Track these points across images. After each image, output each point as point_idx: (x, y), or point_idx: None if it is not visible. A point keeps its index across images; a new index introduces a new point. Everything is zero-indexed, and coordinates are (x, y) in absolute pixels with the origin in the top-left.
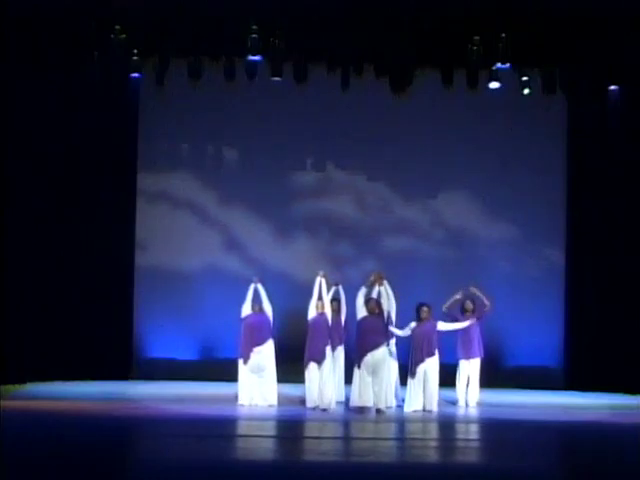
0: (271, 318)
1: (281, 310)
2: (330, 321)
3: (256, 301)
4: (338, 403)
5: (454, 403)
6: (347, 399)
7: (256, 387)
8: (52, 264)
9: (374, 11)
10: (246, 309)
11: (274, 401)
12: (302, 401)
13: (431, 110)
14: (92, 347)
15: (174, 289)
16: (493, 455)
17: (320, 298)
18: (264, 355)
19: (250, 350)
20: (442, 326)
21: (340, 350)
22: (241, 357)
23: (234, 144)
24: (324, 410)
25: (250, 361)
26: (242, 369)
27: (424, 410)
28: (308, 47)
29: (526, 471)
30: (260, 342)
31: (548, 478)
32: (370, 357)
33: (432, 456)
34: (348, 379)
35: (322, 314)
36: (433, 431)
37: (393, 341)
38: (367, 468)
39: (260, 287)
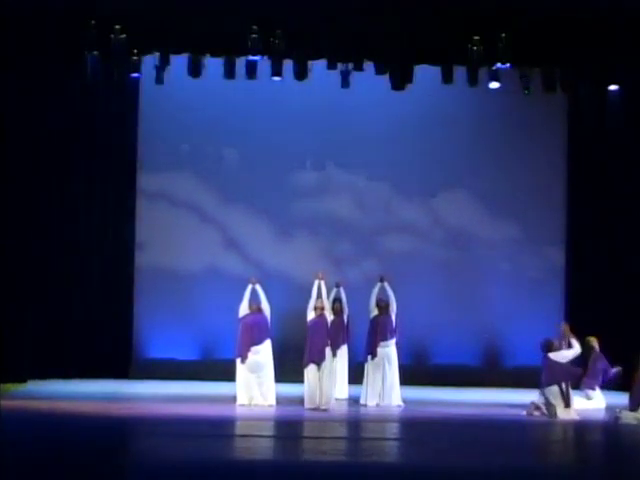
0: (269, 318)
1: (281, 310)
2: (332, 322)
3: (254, 301)
4: (341, 400)
5: None
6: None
7: (255, 387)
8: (52, 264)
9: (374, 9)
10: (243, 309)
11: (273, 401)
12: (301, 401)
13: (431, 110)
14: (92, 347)
15: (174, 289)
16: (496, 455)
17: (319, 299)
18: (262, 355)
19: (248, 350)
20: None
21: (344, 349)
22: (239, 357)
23: (234, 144)
24: (324, 410)
25: (248, 361)
26: (240, 369)
27: None
28: (308, 44)
29: (532, 470)
30: (258, 342)
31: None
32: None
33: (430, 457)
34: (351, 379)
35: (321, 315)
36: (428, 432)
37: (393, 341)
38: (368, 468)
39: (258, 287)
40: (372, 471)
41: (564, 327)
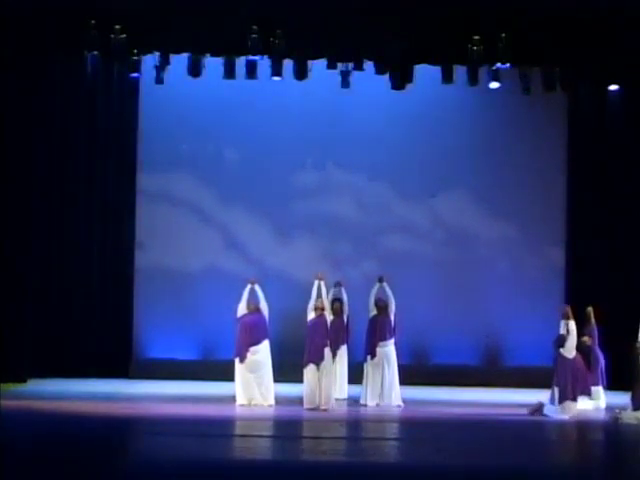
0: (267, 318)
1: (281, 310)
2: (332, 322)
3: (252, 301)
4: (340, 400)
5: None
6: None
7: (254, 387)
8: (52, 264)
9: (374, 9)
10: (241, 309)
11: (272, 400)
12: (301, 401)
13: (431, 110)
14: (92, 347)
15: (174, 289)
16: (497, 454)
17: (319, 299)
18: (261, 355)
19: (246, 350)
20: None
21: (343, 349)
22: (237, 356)
23: (234, 144)
24: (324, 410)
25: (247, 361)
26: (239, 368)
27: None
28: (308, 44)
29: (532, 470)
30: (257, 342)
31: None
32: None
33: (428, 457)
34: (351, 379)
35: (321, 316)
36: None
37: (392, 341)
38: (368, 468)
39: (257, 287)
40: (372, 471)
41: (566, 309)
